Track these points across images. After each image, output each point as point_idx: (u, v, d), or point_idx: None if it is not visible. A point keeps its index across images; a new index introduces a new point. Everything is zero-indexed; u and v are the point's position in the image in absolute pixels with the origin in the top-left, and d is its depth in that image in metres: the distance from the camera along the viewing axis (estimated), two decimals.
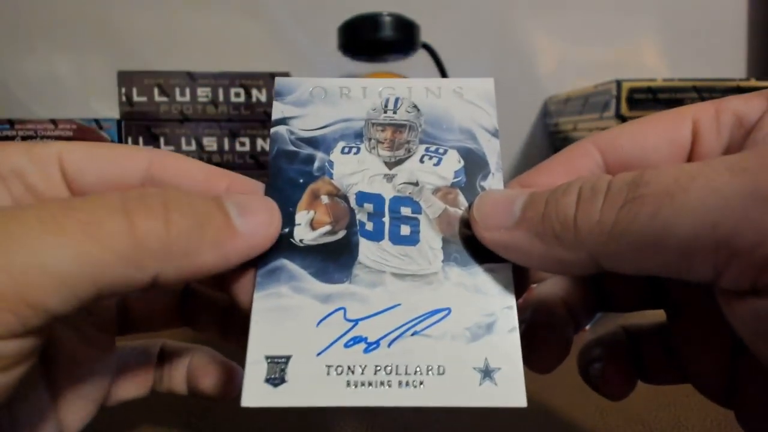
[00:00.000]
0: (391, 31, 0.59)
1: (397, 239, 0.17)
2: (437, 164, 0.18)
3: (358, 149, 0.18)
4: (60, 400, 0.18)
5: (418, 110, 0.19)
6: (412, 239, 0.17)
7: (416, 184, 0.18)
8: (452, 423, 0.25)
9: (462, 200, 0.17)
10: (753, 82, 0.53)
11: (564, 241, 0.14)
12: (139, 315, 0.21)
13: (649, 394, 0.27)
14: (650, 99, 0.53)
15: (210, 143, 0.58)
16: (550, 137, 0.76)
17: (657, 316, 0.19)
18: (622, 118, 0.53)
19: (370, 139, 0.18)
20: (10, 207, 0.14)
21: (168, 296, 0.21)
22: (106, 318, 0.20)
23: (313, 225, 0.17)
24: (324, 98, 0.19)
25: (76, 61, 0.75)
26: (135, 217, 0.13)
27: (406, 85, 0.19)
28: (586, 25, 0.76)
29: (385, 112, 0.19)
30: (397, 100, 0.19)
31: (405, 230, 0.17)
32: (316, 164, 0.18)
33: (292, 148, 0.18)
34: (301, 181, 0.18)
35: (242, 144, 0.58)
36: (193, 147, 0.58)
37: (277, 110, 0.19)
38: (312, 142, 0.18)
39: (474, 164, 0.18)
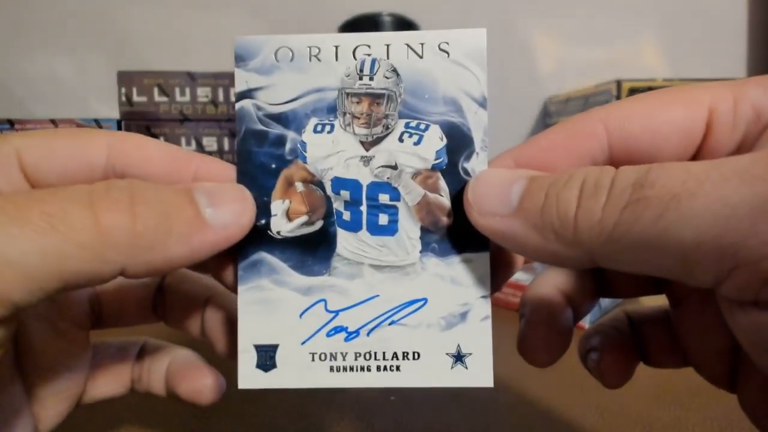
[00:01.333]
0: (391, 31, 0.59)
1: (375, 229, 0.16)
2: (417, 143, 0.16)
3: (332, 127, 0.16)
4: (34, 396, 0.18)
5: (398, 75, 0.16)
6: (391, 229, 0.16)
7: (395, 167, 0.16)
8: (452, 423, 0.25)
9: (443, 185, 0.16)
10: None
11: (563, 238, 0.13)
12: (112, 309, 0.21)
13: (649, 394, 0.27)
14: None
15: (210, 143, 0.58)
16: None
17: (659, 300, 0.19)
18: None
19: (344, 114, 0.16)
20: None
21: (141, 291, 0.21)
22: (79, 312, 0.20)
23: (289, 215, 0.17)
24: (291, 62, 0.17)
25: (76, 61, 0.75)
26: (100, 209, 0.13)
27: (383, 41, 0.17)
28: (587, 26, 0.76)
29: (361, 78, 0.16)
30: (373, 62, 0.16)
31: (383, 219, 0.16)
32: (288, 146, 0.17)
33: (260, 127, 0.17)
34: (273, 166, 0.17)
35: None
36: (193, 147, 0.58)
37: (241, 80, 0.17)
38: (281, 119, 0.17)
39: (457, 142, 0.16)
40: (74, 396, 0.19)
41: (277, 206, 0.16)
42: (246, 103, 0.17)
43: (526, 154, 0.16)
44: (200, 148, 0.58)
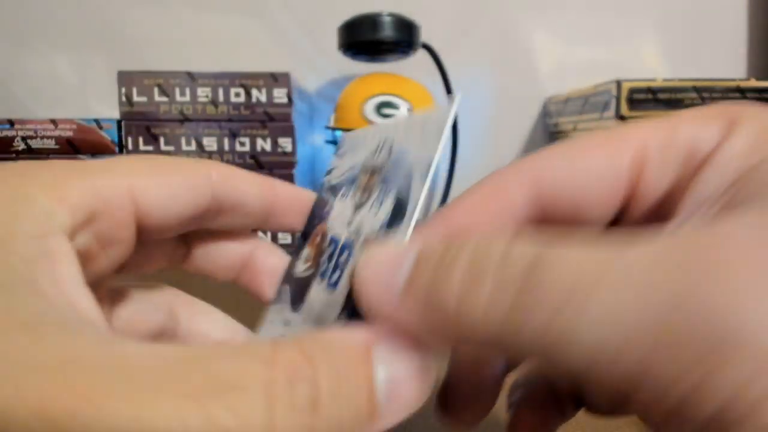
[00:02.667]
0: (391, 31, 0.59)
1: (330, 284, 0.17)
2: (377, 212, 0.16)
3: (346, 195, 0.19)
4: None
5: (392, 150, 0.17)
6: (335, 287, 0.16)
7: (358, 233, 0.17)
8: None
9: None
10: (753, 82, 0.53)
11: (445, 333, 0.11)
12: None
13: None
14: (650, 99, 0.53)
15: (210, 143, 0.58)
16: (550, 137, 0.76)
17: None
18: (622, 118, 0.53)
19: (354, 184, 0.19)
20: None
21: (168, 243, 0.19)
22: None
23: (305, 260, 0.19)
24: (353, 146, 0.20)
25: (76, 61, 0.75)
26: (277, 406, 0.10)
27: (402, 129, 0.17)
28: (586, 25, 0.76)
29: (373, 157, 0.18)
30: (385, 142, 0.18)
31: (334, 277, 0.17)
32: (326, 208, 0.20)
33: (322, 195, 0.20)
34: (316, 222, 0.20)
35: (242, 144, 0.58)
36: (193, 147, 0.58)
37: (330, 163, 0.21)
38: (334, 189, 0.20)
39: (398, 211, 0.15)
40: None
41: (304, 252, 0.20)
42: (324, 179, 0.21)
43: (451, 215, 0.15)
44: (200, 148, 0.58)
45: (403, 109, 0.61)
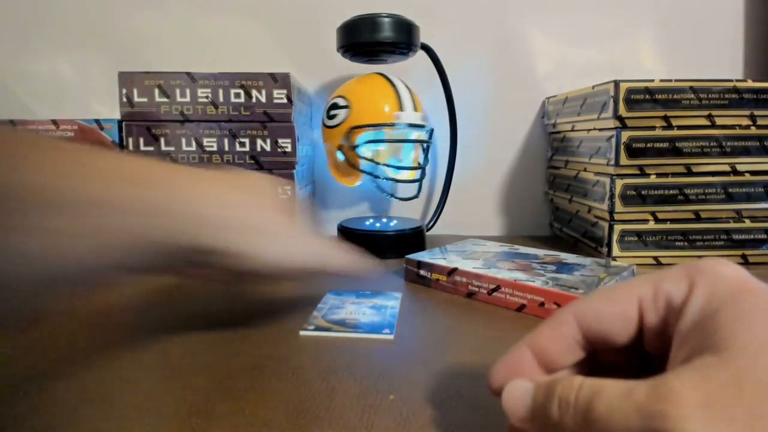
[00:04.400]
0: (390, 31, 0.59)
1: None
2: None
3: None
4: None
5: None
6: None
7: None
8: (452, 422, 0.25)
9: None
10: (750, 83, 0.54)
11: None
12: None
13: None
14: (648, 99, 0.53)
15: (210, 143, 0.58)
16: (548, 137, 0.76)
17: None
18: (620, 119, 0.53)
19: None
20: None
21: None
22: None
23: None
24: None
25: (78, 62, 0.75)
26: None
27: None
28: (585, 27, 0.76)
29: None
30: None
31: None
32: None
33: None
34: None
35: (242, 144, 0.58)
36: (193, 147, 0.58)
37: None
38: None
39: None
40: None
41: None
42: None
43: (533, 342, 0.22)
44: (200, 148, 0.58)
45: (343, 111, 0.62)
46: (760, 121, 0.54)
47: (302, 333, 0.36)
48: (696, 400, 0.15)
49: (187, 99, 0.58)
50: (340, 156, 0.64)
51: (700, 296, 0.19)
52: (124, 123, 0.58)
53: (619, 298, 0.21)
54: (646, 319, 0.20)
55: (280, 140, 0.59)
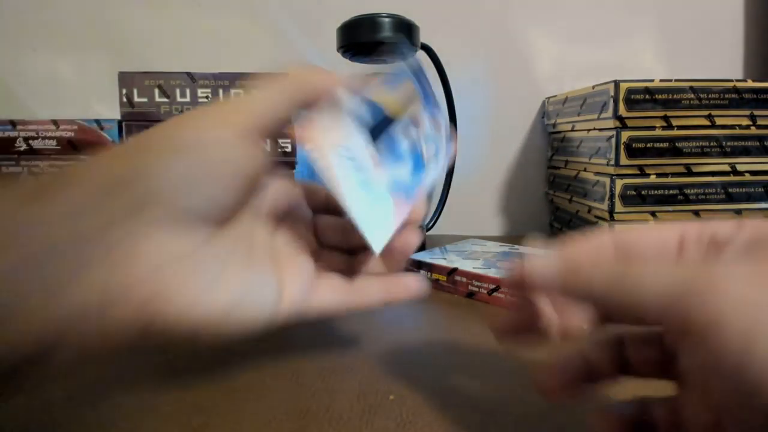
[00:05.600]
0: (390, 31, 0.59)
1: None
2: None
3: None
4: (278, 256, 0.26)
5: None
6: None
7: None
8: (452, 422, 0.25)
9: None
10: (750, 83, 0.54)
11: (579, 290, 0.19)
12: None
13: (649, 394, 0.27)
14: (648, 99, 0.53)
15: None
16: (548, 137, 0.76)
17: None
18: (620, 119, 0.53)
19: None
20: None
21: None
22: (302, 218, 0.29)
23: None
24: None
25: (77, 62, 0.75)
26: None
27: None
28: (585, 26, 0.76)
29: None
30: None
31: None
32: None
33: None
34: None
35: None
36: None
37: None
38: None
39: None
40: (307, 280, 0.26)
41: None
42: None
43: (567, 251, 0.22)
44: None
45: None
46: (760, 121, 0.54)
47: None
48: (743, 270, 0.15)
49: (187, 99, 0.58)
50: None
51: (746, 232, 0.19)
52: (124, 123, 0.58)
53: (661, 227, 0.21)
54: (686, 253, 0.20)
55: (280, 140, 0.59)
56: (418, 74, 0.28)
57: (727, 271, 0.15)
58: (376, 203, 0.26)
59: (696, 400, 0.17)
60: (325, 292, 0.26)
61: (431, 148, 0.28)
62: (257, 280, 0.23)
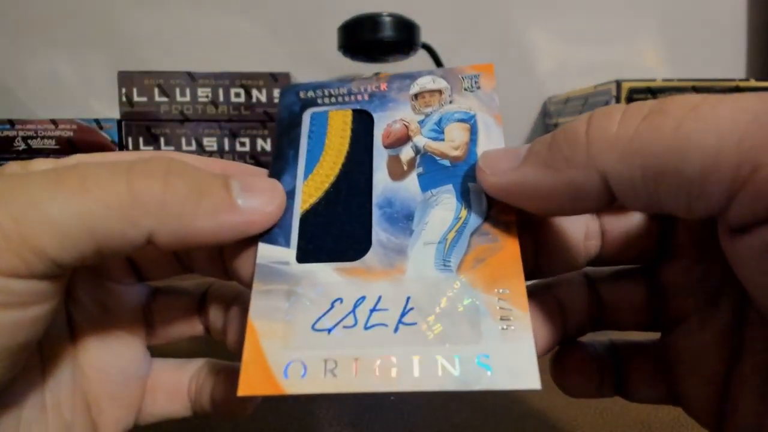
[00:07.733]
0: (391, 31, 0.59)
1: None
2: None
3: None
4: (91, 396, 0.18)
5: None
6: None
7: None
8: (452, 422, 0.25)
9: None
10: (752, 83, 0.53)
11: (574, 162, 0.13)
12: (163, 318, 0.20)
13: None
14: (650, 99, 0.53)
15: (210, 143, 0.58)
16: None
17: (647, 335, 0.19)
18: None
19: None
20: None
21: (188, 300, 0.21)
22: (131, 317, 0.19)
23: None
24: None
25: (77, 62, 0.75)
26: (134, 177, 0.14)
27: None
28: (586, 26, 0.76)
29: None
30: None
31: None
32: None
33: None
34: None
35: (242, 144, 0.58)
36: (194, 147, 0.58)
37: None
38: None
39: None
40: (132, 406, 0.19)
41: None
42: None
43: None
44: (200, 148, 0.58)
45: None
46: None
47: None
48: None
49: (187, 98, 0.58)
50: None
51: None
52: (123, 123, 0.58)
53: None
54: None
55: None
56: None
57: None
58: None
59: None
60: (163, 401, 0.20)
61: None
62: None
